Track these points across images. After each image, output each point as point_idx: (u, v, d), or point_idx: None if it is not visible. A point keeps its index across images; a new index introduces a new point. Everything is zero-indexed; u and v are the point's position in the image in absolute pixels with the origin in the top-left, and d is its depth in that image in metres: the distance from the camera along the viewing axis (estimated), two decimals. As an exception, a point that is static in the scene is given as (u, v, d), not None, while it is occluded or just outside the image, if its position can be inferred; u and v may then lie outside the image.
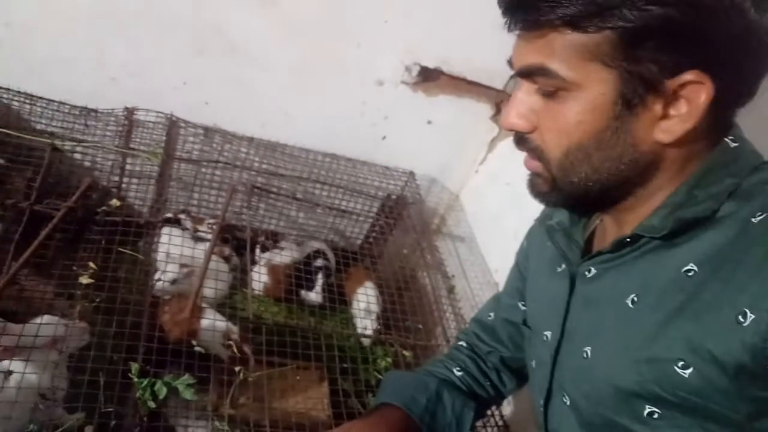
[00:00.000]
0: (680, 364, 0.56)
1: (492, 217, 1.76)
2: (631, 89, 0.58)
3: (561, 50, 0.59)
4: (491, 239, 1.73)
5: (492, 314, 1.00)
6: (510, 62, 0.66)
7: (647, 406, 0.61)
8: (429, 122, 1.78)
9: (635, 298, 0.63)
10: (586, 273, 0.70)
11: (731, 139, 0.63)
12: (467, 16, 1.53)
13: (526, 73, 0.62)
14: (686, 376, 0.56)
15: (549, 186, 0.65)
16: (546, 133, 0.63)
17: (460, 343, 1.03)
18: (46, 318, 1.07)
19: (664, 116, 0.59)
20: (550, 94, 0.61)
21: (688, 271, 0.58)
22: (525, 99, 0.64)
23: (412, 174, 1.86)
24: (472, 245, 1.77)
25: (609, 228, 0.72)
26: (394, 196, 1.88)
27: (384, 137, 1.80)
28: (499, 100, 1.74)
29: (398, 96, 1.69)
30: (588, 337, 0.69)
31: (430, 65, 1.65)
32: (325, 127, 1.73)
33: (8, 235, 1.22)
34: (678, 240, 0.61)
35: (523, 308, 0.91)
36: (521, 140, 0.66)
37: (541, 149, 0.64)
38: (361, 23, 1.54)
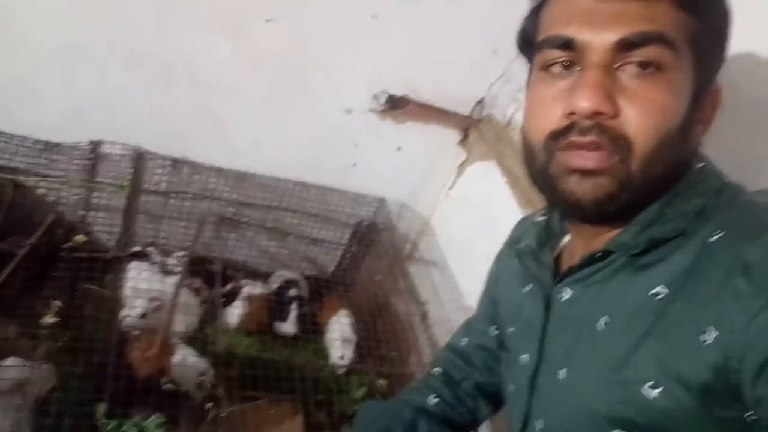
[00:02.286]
0: (649, 384, 0.56)
1: (463, 241, 1.77)
2: (700, 83, 0.60)
3: (672, 23, 0.57)
4: (463, 263, 1.74)
5: (465, 340, 0.99)
6: (554, 37, 0.60)
7: (618, 431, 0.60)
8: (398, 149, 1.79)
9: (607, 321, 0.63)
10: (561, 296, 0.70)
11: (696, 159, 0.64)
12: (433, 44, 1.56)
13: (632, 42, 0.56)
14: (655, 396, 0.56)
15: (618, 185, 0.58)
16: (636, 117, 0.57)
17: (435, 369, 1.02)
18: (10, 360, 1.04)
19: (700, 120, 0.61)
20: (644, 72, 0.57)
21: (657, 293, 0.58)
22: (605, 78, 0.57)
23: (382, 200, 1.87)
24: (445, 269, 1.78)
25: (577, 248, 0.71)
26: (365, 223, 1.88)
27: (354, 164, 1.81)
28: (466, 125, 1.76)
29: (367, 123, 1.70)
30: (563, 360, 0.69)
31: (398, 93, 1.66)
32: (294, 156, 1.73)
33: (-31, 275, 1.18)
34: (647, 259, 0.61)
35: (495, 332, 0.91)
36: (597, 128, 0.57)
37: (627, 136, 0.57)
38: (328, 53, 1.55)
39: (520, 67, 1.65)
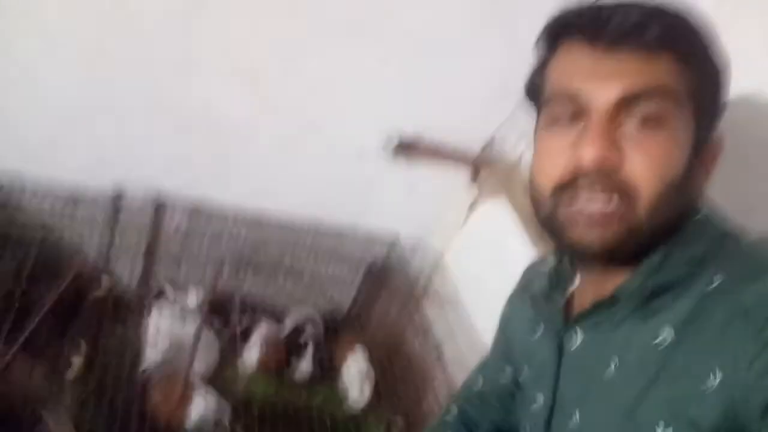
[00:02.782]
0: (660, 428, 0.57)
1: (477, 278, 1.79)
2: (701, 133, 0.63)
3: (673, 77, 0.60)
4: (477, 300, 1.75)
5: (480, 380, 1.01)
6: (551, 91, 0.64)
7: None
8: (411, 188, 1.83)
9: (616, 366, 0.65)
10: (572, 340, 0.71)
11: (699, 207, 0.67)
12: (443, 86, 1.61)
13: (635, 95, 0.59)
14: None
15: (623, 234, 0.61)
16: (640, 167, 0.59)
17: (451, 410, 1.03)
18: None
19: (701, 168, 0.65)
20: (647, 124, 0.59)
21: (663, 339, 0.60)
22: (609, 130, 0.60)
23: (396, 239, 1.90)
24: (459, 307, 1.79)
25: (588, 291, 0.73)
26: (379, 261, 1.91)
27: (367, 204, 1.84)
28: (476, 164, 1.80)
29: (380, 164, 1.74)
30: (576, 404, 0.70)
31: (409, 134, 1.71)
32: (309, 197, 1.77)
33: (-1, 324, 1.22)
34: (654, 304, 0.63)
35: (509, 371, 0.92)
36: (603, 178, 0.60)
37: (633, 185, 0.59)
38: (341, 98, 1.60)
39: (528, 109, 1.69)
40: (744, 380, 0.52)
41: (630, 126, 0.60)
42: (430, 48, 1.53)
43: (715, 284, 0.59)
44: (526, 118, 1.64)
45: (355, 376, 1.60)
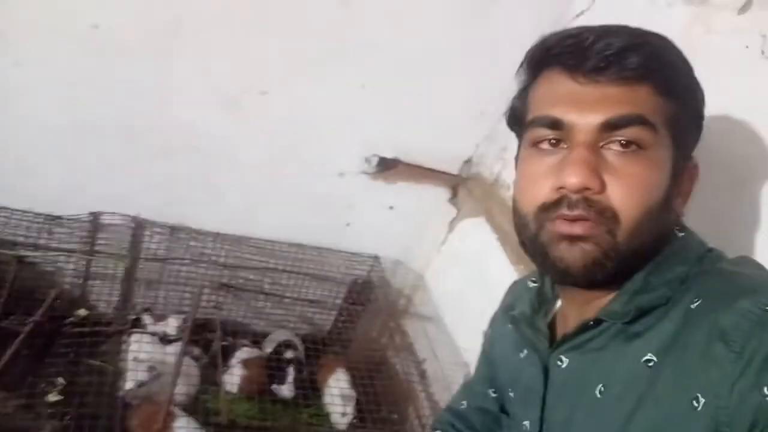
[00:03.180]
0: None
1: (457, 296, 1.80)
2: (678, 160, 0.65)
3: (652, 107, 0.62)
4: (458, 318, 1.76)
5: (464, 402, 1.00)
6: (537, 118, 0.65)
7: None
8: (390, 208, 1.84)
9: (602, 389, 0.65)
10: (558, 363, 0.71)
11: (678, 229, 0.69)
12: (420, 108, 1.63)
13: (615, 123, 0.61)
14: None
15: (604, 254, 0.62)
16: (620, 192, 0.61)
17: None
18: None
19: (679, 193, 0.67)
20: (626, 150, 0.61)
21: (648, 361, 0.61)
22: (591, 156, 0.61)
23: (377, 258, 1.90)
24: (440, 325, 1.80)
25: (570, 314, 0.74)
26: (360, 281, 1.91)
27: (348, 224, 1.85)
28: (455, 184, 1.82)
29: (359, 185, 1.75)
30: (563, 428, 0.70)
31: (388, 155, 1.72)
32: (290, 218, 1.77)
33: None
34: (636, 327, 0.63)
35: (494, 395, 0.92)
36: (585, 202, 0.61)
37: (613, 210, 0.61)
38: (320, 121, 1.61)
39: (504, 127, 1.72)
40: (727, 403, 0.53)
41: (610, 152, 0.62)
42: (408, 71, 1.55)
43: (694, 306, 0.60)
44: (503, 139, 1.69)
45: (338, 396, 1.60)
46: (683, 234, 0.69)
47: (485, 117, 1.69)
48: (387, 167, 1.74)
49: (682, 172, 0.67)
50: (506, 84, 1.66)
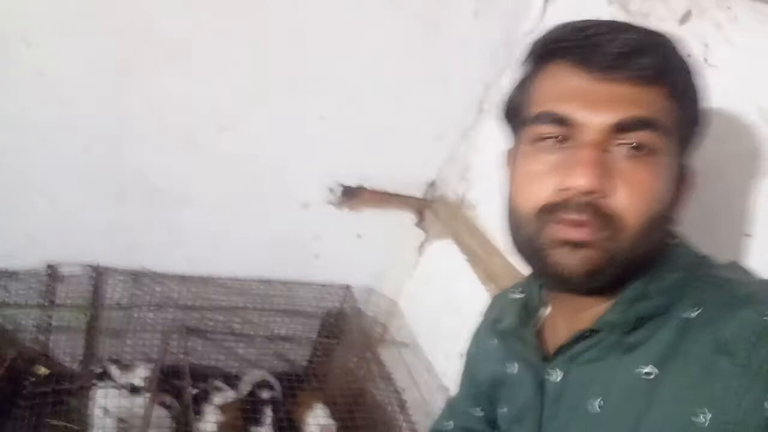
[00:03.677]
0: None
1: (432, 320, 1.78)
2: (682, 167, 0.64)
3: (664, 111, 0.59)
4: (434, 342, 1.74)
5: (449, 424, 0.97)
6: (546, 114, 0.61)
7: None
8: (358, 236, 1.83)
9: (601, 404, 0.63)
10: (552, 376, 0.69)
11: (671, 236, 0.67)
12: (380, 135, 1.63)
13: (627, 125, 0.58)
14: None
15: (606, 261, 0.59)
16: (627, 197, 0.58)
17: None
18: None
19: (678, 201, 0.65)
20: (636, 154, 0.58)
21: (647, 373, 0.59)
22: (600, 158, 0.58)
23: (348, 288, 1.88)
24: (417, 350, 1.78)
25: (561, 323, 0.71)
26: (333, 312, 1.88)
27: (316, 256, 1.83)
28: (421, 207, 1.82)
29: (325, 215, 1.74)
30: None
31: (352, 183, 1.71)
32: (256, 255, 1.74)
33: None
34: (634, 337, 0.61)
35: (480, 414, 0.90)
36: (590, 206, 0.58)
37: (618, 215, 0.58)
38: (280, 154, 1.59)
39: (464, 149, 1.73)
40: (734, 417, 0.51)
41: (619, 154, 0.59)
42: (365, 99, 1.56)
43: (692, 315, 0.58)
44: (464, 160, 1.70)
45: (318, 429, 1.56)
46: (676, 241, 0.67)
47: (445, 139, 1.70)
48: (351, 195, 1.73)
49: (684, 179, 0.66)
50: (462, 105, 1.69)
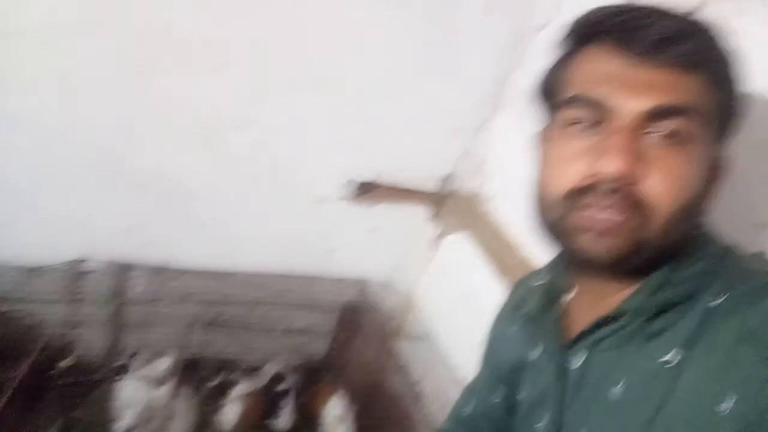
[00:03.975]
0: None
1: (447, 314, 1.80)
2: (717, 156, 0.62)
3: (703, 98, 0.58)
4: (450, 335, 1.76)
5: (468, 408, 0.97)
6: (575, 96, 0.60)
7: None
8: (374, 230, 1.85)
9: (622, 389, 0.62)
10: (573, 361, 0.69)
11: (700, 226, 0.67)
12: (395, 130, 1.65)
13: (663, 112, 0.57)
14: None
15: (632, 249, 0.58)
16: (658, 185, 0.57)
17: None
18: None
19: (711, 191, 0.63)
20: (670, 141, 0.57)
21: (669, 360, 0.58)
22: (633, 144, 0.57)
23: (364, 282, 1.90)
24: (433, 343, 1.79)
25: (584, 308, 0.70)
26: (350, 306, 1.90)
27: (332, 250, 1.85)
28: (436, 201, 1.83)
29: (341, 210, 1.76)
30: (582, 424, 0.68)
31: (367, 179, 1.73)
32: (274, 250, 1.77)
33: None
34: (656, 324, 0.61)
35: (499, 398, 0.89)
36: (619, 192, 0.57)
37: (650, 202, 0.57)
38: (296, 150, 1.62)
39: (480, 144, 1.74)
40: (757, 404, 0.51)
41: (654, 139, 0.58)
42: (380, 94, 1.57)
43: (718, 302, 0.58)
44: (480, 153, 1.70)
45: (335, 420, 1.59)
46: (704, 230, 0.66)
47: (460, 133, 1.71)
48: (366, 190, 1.75)
49: (717, 169, 0.64)
50: (477, 99, 1.70)
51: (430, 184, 1.80)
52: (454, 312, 1.76)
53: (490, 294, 1.40)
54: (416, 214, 1.85)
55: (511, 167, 1.64)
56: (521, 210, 1.54)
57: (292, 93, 1.51)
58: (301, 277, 1.81)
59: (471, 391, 0.99)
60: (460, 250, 1.76)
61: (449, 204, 1.82)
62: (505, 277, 1.52)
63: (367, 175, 1.73)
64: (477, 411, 0.95)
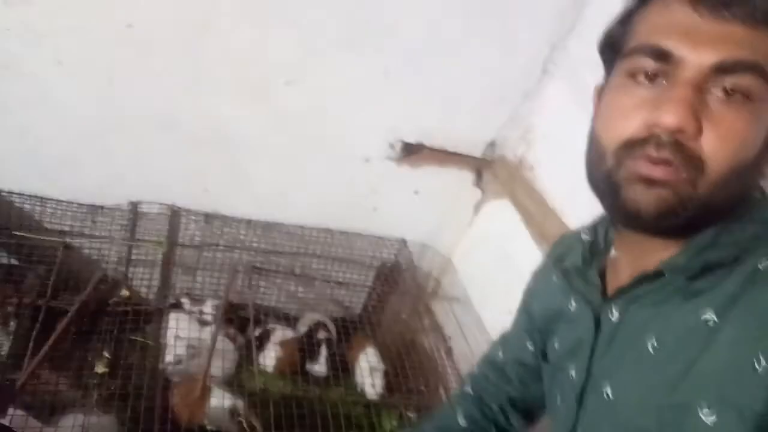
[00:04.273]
0: (704, 410, 0.55)
1: (483, 277, 1.83)
2: None
3: None
4: (484, 298, 1.80)
5: (500, 353, 0.99)
6: (648, 48, 0.58)
7: None
8: (416, 192, 1.88)
9: (656, 344, 0.62)
10: (609, 315, 0.69)
11: (756, 190, 0.65)
12: (442, 93, 1.67)
13: (729, 67, 0.55)
14: (710, 424, 0.55)
15: (680, 204, 0.57)
16: (715, 142, 0.55)
17: (467, 389, 1.02)
18: (71, 414, 1.12)
19: None
20: (731, 98, 0.56)
21: (707, 320, 0.57)
22: (695, 97, 0.56)
23: (404, 242, 1.95)
24: (467, 305, 1.84)
25: (625, 265, 0.70)
26: (388, 264, 1.96)
27: (375, 209, 1.90)
28: (479, 167, 1.85)
29: (385, 170, 1.80)
30: (609, 379, 0.69)
31: (412, 140, 1.76)
32: (318, 204, 1.83)
33: (25, 332, 1.29)
34: (698, 285, 0.60)
35: (532, 347, 0.91)
36: (674, 145, 0.56)
37: (702, 158, 0.56)
38: (345, 108, 1.66)
39: (526, 111, 1.73)
40: None
41: (714, 96, 0.56)
42: (429, 56, 1.59)
43: (762, 266, 0.57)
44: (526, 121, 1.71)
45: (368, 372, 1.65)
46: (759, 195, 0.65)
47: (506, 100, 1.72)
48: (411, 152, 1.78)
49: None
50: (526, 65, 1.69)
51: (474, 149, 1.82)
52: (491, 276, 1.79)
53: (527, 260, 1.41)
54: (459, 178, 1.87)
55: (557, 136, 1.64)
56: (564, 179, 1.57)
57: (344, 52, 1.54)
58: (343, 233, 1.87)
59: (505, 338, 1.01)
60: (501, 216, 1.78)
61: (492, 170, 1.83)
62: (543, 245, 1.54)
63: (413, 137, 1.76)
64: (508, 357, 0.97)
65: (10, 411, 1.09)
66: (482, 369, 1.02)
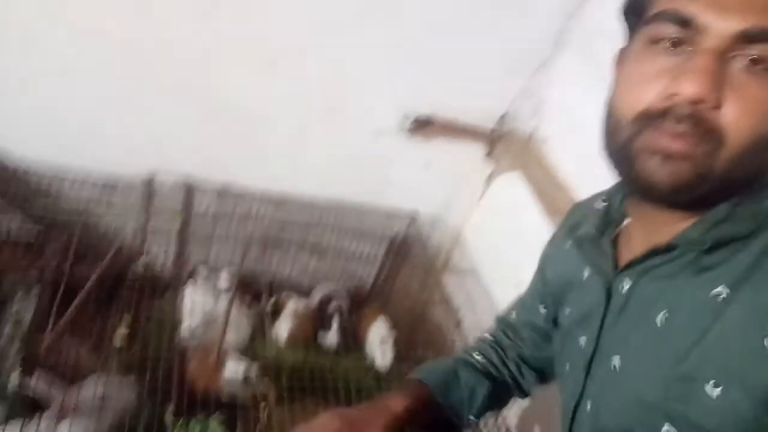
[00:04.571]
0: (711, 383, 0.55)
1: (494, 250, 1.85)
2: None
3: None
4: (495, 271, 1.82)
5: (514, 314, 1.01)
6: (669, 13, 0.56)
7: (666, 424, 0.59)
8: (428, 164, 1.89)
9: (666, 316, 0.62)
10: (621, 285, 0.69)
11: None
12: (455, 66, 1.66)
13: (755, 35, 0.53)
14: (714, 398, 0.55)
15: (697, 177, 0.56)
16: (736, 114, 0.54)
17: (485, 335, 1.04)
18: (91, 378, 1.16)
19: None
20: (755, 67, 0.54)
21: (718, 294, 0.57)
22: (717, 67, 0.54)
23: (415, 214, 1.96)
24: (477, 278, 1.86)
25: (638, 236, 0.70)
26: (399, 237, 1.98)
27: (387, 182, 1.91)
28: (491, 139, 1.85)
29: (397, 143, 1.80)
30: (617, 349, 0.69)
31: (425, 113, 1.76)
32: (330, 177, 1.85)
33: (47, 302, 1.33)
34: (710, 259, 0.59)
35: (544, 311, 0.92)
36: (694, 116, 0.54)
37: (721, 131, 0.54)
38: (358, 80, 1.66)
39: (539, 84, 1.72)
40: None
41: (738, 65, 0.54)
42: (441, 28, 1.58)
43: None
44: (538, 94, 1.70)
45: (378, 342, 1.69)
46: None
47: (518, 73, 1.71)
48: (423, 125, 1.78)
49: None
50: (539, 37, 1.67)
51: (486, 122, 1.82)
52: (501, 249, 1.81)
53: (537, 234, 1.42)
54: (470, 151, 1.87)
55: (570, 109, 1.63)
56: (576, 153, 1.56)
57: (356, 25, 1.54)
58: (354, 206, 1.89)
59: (520, 299, 1.02)
60: (511, 190, 1.78)
61: (504, 143, 1.83)
62: (553, 219, 1.55)
63: (425, 110, 1.76)
64: (521, 317, 0.98)
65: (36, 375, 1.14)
66: (498, 325, 1.04)
